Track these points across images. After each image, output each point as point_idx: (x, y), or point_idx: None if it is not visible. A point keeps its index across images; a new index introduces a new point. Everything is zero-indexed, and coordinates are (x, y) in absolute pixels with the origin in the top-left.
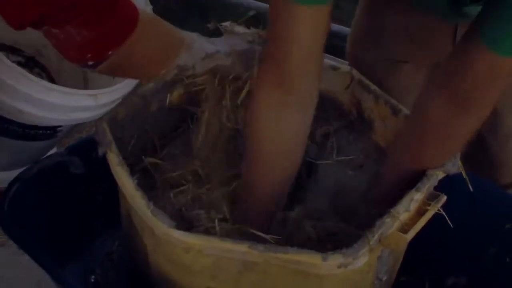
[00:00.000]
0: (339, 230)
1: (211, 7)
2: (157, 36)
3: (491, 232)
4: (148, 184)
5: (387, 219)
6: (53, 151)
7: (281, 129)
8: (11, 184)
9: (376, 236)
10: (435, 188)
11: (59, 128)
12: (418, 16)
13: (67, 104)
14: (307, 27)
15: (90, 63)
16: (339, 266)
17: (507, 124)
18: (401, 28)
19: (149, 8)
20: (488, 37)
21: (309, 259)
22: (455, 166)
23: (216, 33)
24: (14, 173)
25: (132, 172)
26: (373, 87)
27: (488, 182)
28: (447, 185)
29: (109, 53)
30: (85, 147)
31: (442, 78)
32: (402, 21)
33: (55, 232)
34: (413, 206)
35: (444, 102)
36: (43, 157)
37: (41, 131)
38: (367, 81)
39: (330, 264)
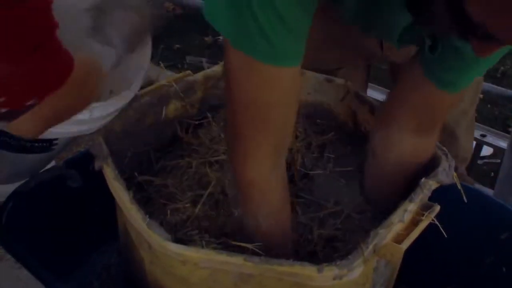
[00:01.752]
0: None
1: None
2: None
3: (487, 242)
4: (144, 198)
5: (381, 230)
6: (51, 164)
7: (277, 205)
8: (9, 198)
9: (371, 247)
10: (430, 198)
11: (55, 141)
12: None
13: None
14: (286, 89)
15: (3, 110)
16: (334, 278)
17: (464, 147)
18: (330, 38)
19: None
20: (439, 80)
21: (304, 271)
22: (449, 176)
23: (214, 46)
24: (12, 187)
25: (128, 186)
26: (369, 98)
27: (482, 193)
28: (442, 196)
29: (29, 102)
30: (82, 161)
31: (405, 115)
32: (331, 31)
33: (53, 246)
34: (407, 217)
35: (413, 133)
36: (41, 170)
37: (37, 144)
38: (362, 93)
39: (325, 276)
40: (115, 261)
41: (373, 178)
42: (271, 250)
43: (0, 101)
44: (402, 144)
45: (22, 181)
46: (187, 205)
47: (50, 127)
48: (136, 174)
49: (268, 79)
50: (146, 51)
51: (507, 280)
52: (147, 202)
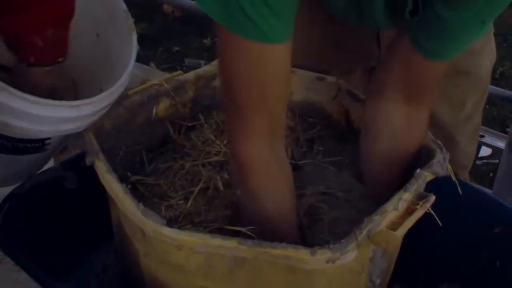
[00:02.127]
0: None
1: (208, 24)
2: None
3: (482, 237)
4: (137, 196)
5: (375, 216)
6: (49, 165)
7: (279, 183)
8: (5, 200)
9: (365, 232)
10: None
11: (47, 141)
12: (343, 25)
13: (50, 115)
14: (277, 66)
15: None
16: (327, 261)
17: (465, 153)
18: (326, 38)
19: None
20: (424, 49)
21: (298, 254)
22: (444, 169)
23: (213, 48)
24: (8, 190)
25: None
26: (361, 96)
27: (475, 187)
28: (436, 189)
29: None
30: (79, 162)
31: (393, 85)
32: (327, 31)
33: (51, 247)
34: (402, 206)
35: (402, 103)
36: (38, 172)
37: (29, 144)
38: (355, 91)
39: (318, 259)
40: (112, 261)
41: (369, 156)
42: (274, 238)
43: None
44: (393, 115)
45: (19, 183)
46: (180, 201)
47: None
48: (129, 174)
49: (258, 57)
50: (132, 47)
51: (501, 274)
52: (140, 201)
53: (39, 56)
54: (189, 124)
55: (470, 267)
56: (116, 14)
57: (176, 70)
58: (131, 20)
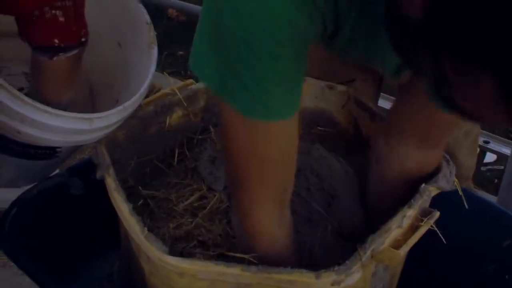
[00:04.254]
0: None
1: None
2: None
3: (489, 250)
4: (146, 211)
5: (379, 235)
6: (55, 172)
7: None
8: (12, 204)
9: (368, 252)
10: (431, 205)
11: (59, 149)
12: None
13: (62, 126)
14: (281, 143)
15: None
16: (333, 284)
17: (465, 166)
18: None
19: (146, 18)
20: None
21: (302, 277)
22: (450, 183)
23: None
24: (15, 195)
25: (131, 196)
26: (369, 105)
27: (484, 199)
28: (443, 202)
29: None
30: (85, 169)
31: (409, 129)
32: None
33: (55, 253)
34: (406, 223)
35: (416, 146)
36: (47, 177)
37: (40, 151)
38: (363, 100)
39: (323, 282)
40: (117, 269)
41: (375, 183)
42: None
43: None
44: (406, 156)
45: (29, 185)
46: (188, 219)
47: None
48: (140, 188)
49: (260, 135)
50: (152, 61)
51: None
52: (149, 216)
53: (63, 35)
54: (200, 137)
55: (476, 280)
56: (139, 25)
57: (181, 74)
58: (153, 33)
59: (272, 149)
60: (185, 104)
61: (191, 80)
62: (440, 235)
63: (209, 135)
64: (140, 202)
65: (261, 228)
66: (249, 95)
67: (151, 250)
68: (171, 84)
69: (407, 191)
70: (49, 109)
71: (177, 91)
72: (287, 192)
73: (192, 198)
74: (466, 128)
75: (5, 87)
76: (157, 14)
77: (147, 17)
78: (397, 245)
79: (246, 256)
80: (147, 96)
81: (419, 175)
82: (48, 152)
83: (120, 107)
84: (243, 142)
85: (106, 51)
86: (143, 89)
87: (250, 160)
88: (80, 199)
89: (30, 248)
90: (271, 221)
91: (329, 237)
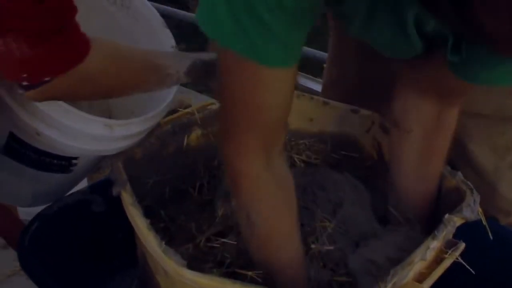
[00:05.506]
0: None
1: None
2: (118, 67)
3: None
4: (164, 232)
5: (402, 268)
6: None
7: (274, 201)
8: (33, 220)
9: (389, 286)
10: (454, 235)
11: (74, 161)
12: (378, 63)
13: (81, 129)
14: (275, 91)
15: (24, 83)
16: None
17: (506, 198)
18: (362, 76)
19: (172, 42)
20: (459, 72)
21: None
22: (474, 212)
23: None
24: (39, 208)
25: (149, 216)
26: None
27: (509, 229)
28: (467, 232)
29: (46, 79)
30: (107, 186)
31: (425, 85)
32: (363, 69)
33: (75, 270)
34: (430, 255)
35: (433, 101)
36: (66, 195)
37: (55, 161)
38: (388, 124)
39: None
40: (135, 287)
41: (400, 157)
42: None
43: (22, 76)
44: (422, 111)
45: (44, 205)
46: (206, 243)
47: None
48: (162, 212)
49: (253, 79)
50: None
51: None
52: (167, 237)
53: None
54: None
55: None
56: (165, 49)
57: (210, 90)
58: (172, 41)
59: (262, 95)
60: (199, 123)
61: (212, 100)
62: (468, 267)
63: None
64: (162, 225)
65: (247, 169)
66: (247, 38)
67: (169, 264)
68: (193, 96)
69: (427, 156)
70: (72, 109)
71: (195, 111)
72: (276, 138)
73: (210, 231)
74: (510, 159)
75: None
76: (192, 30)
77: (172, 41)
78: (420, 278)
79: (251, 273)
80: (175, 112)
81: (438, 141)
82: (63, 164)
83: (141, 118)
84: (235, 86)
85: None
86: (166, 103)
87: (239, 104)
88: (101, 216)
89: (49, 264)
90: (256, 163)
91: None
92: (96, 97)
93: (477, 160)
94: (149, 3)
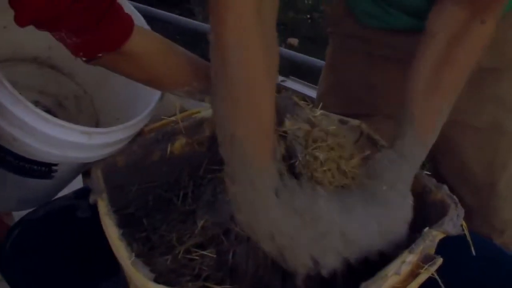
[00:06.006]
0: None
1: None
2: (165, 56)
3: None
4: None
5: (374, 282)
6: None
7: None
8: (15, 225)
9: None
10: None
11: (54, 167)
12: (379, 65)
13: (59, 137)
14: None
15: (84, 59)
16: None
17: (500, 217)
18: (362, 81)
19: None
20: None
21: None
22: (456, 226)
23: None
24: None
25: (131, 224)
26: (382, 142)
27: (493, 245)
28: (450, 247)
29: (99, 55)
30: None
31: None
32: (363, 73)
33: (57, 277)
34: (404, 269)
35: (464, 9)
36: (51, 200)
37: (35, 167)
38: (376, 136)
39: None
40: None
41: (419, 61)
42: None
43: (80, 54)
44: (451, 15)
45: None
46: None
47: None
48: (144, 221)
49: None
50: None
51: None
52: (147, 247)
53: None
54: (202, 174)
55: None
56: None
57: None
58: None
59: None
60: (183, 132)
61: (198, 109)
62: (441, 283)
63: (214, 174)
64: (143, 234)
65: (234, 20)
66: None
67: (136, 277)
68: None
69: (445, 64)
70: (49, 116)
71: (179, 120)
72: None
73: (189, 243)
74: (507, 175)
75: (9, 89)
76: (200, 38)
77: None
78: None
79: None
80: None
81: (460, 52)
82: (43, 170)
83: (121, 126)
84: None
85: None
86: (148, 110)
87: None
88: (87, 222)
89: (30, 270)
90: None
91: None
92: (141, 80)
93: (473, 176)
94: (129, 4)
